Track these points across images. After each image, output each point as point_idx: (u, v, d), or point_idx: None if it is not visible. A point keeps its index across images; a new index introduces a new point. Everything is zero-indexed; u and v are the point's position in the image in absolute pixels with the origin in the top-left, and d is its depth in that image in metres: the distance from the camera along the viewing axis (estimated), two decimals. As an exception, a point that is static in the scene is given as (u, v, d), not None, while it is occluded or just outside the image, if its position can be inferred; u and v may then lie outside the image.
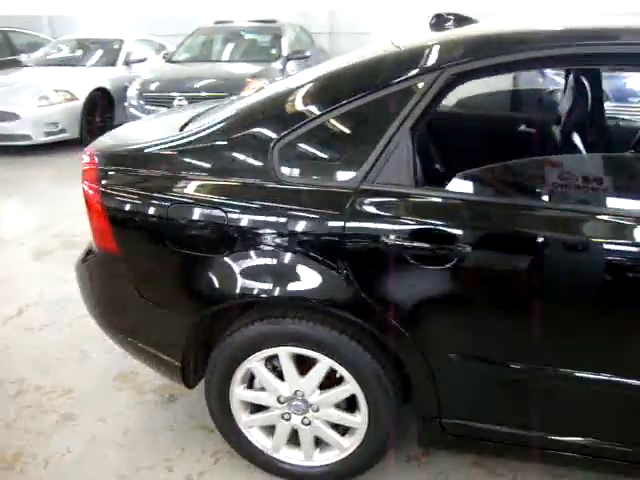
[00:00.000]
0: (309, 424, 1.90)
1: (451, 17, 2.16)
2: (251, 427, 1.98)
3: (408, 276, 1.63)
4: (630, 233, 1.50)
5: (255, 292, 1.75)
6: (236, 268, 1.74)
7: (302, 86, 1.85)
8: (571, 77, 2.65)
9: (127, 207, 1.86)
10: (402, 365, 1.74)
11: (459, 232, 1.57)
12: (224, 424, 2.00)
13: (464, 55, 1.63)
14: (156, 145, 1.92)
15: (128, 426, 2.31)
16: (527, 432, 1.73)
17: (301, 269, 1.70)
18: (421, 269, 1.60)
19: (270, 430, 1.98)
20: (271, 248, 1.71)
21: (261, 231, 1.72)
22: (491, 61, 1.60)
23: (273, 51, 7.31)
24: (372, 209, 1.63)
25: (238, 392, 1.92)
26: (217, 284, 1.77)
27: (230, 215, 1.73)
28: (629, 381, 1.57)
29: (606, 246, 1.50)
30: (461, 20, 2.15)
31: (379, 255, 1.63)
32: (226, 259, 1.75)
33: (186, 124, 2.08)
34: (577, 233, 1.55)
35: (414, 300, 1.66)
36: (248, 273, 1.74)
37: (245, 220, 1.73)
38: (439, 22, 2.15)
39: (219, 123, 1.87)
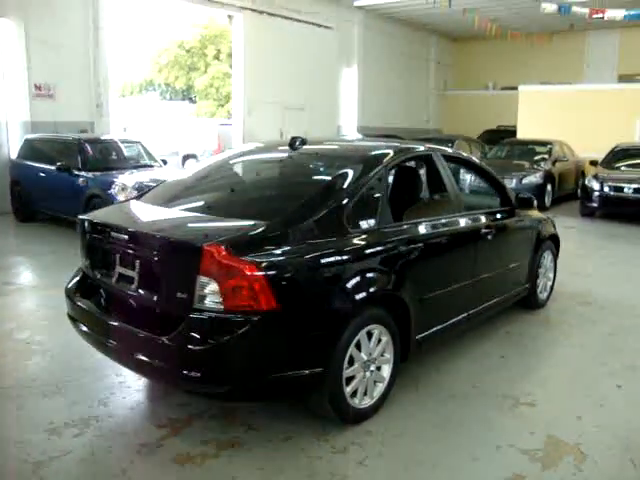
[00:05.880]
0: (372, 372, 3.18)
1: (299, 139, 3.75)
2: (348, 393, 3.05)
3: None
4: None
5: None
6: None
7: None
8: None
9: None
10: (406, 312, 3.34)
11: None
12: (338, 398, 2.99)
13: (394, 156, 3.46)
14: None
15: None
16: (453, 320, 3.73)
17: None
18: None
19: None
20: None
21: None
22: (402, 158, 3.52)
23: None
24: (388, 235, 3.22)
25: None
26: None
27: None
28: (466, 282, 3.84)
29: None
30: (303, 141, 3.76)
31: (389, 257, 3.23)
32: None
33: None
34: None
35: (407, 275, 3.33)
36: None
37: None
38: (294, 142, 3.71)
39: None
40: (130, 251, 2.98)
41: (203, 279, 2.61)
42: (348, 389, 3.03)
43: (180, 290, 2.70)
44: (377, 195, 3.28)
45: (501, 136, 15.88)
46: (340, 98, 17.62)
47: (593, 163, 11.11)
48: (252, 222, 2.85)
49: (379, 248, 3.17)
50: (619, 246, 8.25)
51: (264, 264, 2.62)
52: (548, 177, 11.25)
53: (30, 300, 5.50)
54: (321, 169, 3.47)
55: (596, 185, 9.98)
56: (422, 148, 3.89)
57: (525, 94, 14.72)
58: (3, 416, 3.24)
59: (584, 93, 13.96)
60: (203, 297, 2.62)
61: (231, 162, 3.99)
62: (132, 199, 3.70)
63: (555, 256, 5.39)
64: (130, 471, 2.75)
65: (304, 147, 3.70)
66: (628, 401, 3.54)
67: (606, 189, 9.84)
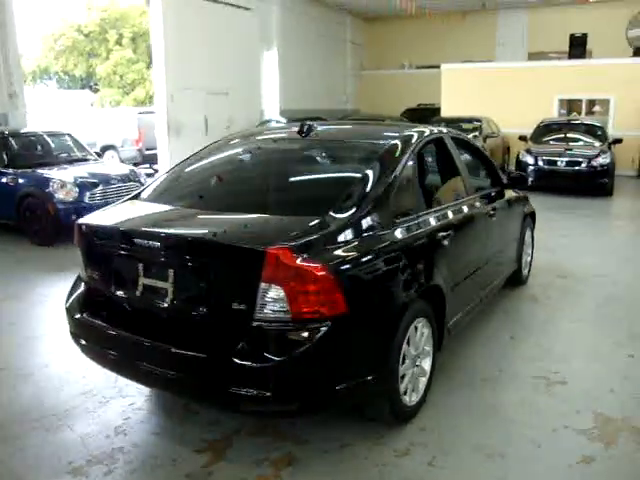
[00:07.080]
0: (417, 367, 3.04)
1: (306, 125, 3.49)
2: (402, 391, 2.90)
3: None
4: None
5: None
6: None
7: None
8: None
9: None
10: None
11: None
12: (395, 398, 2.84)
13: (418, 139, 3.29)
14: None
15: None
16: (472, 303, 3.68)
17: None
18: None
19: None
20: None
21: None
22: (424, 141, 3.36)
23: None
24: (428, 222, 3.09)
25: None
26: None
27: None
28: (481, 264, 3.78)
29: None
30: (310, 127, 3.50)
31: (430, 246, 3.11)
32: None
33: None
34: None
35: (443, 263, 3.21)
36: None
37: None
38: (303, 129, 3.46)
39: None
40: (160, 259, 2.62)
41: (266, 286, 2.33)
42: (402, 387, 2.89)
43: (236, 300, 2.39)
44: (411, 182, 3.12)
45: (423, 114, 16.16)
46: (262, 82, 17.18)
47: (522, 138, 11.58)
48: (302, 218, 2.59)
49: (422, 237, 3.03)
50: (565, 217, 8.66)
51: (332, 264, 2.39)
52: (482, 154, 11.57)
53: (-19, 319, 4.85)
54: (350, 158, 3.25)
55: (530, 159, 10.40)
56: (435, 130, 3.76)
57: (448, 72, 15.04)
58: (9, 460, 2.78)
59: (505, 71, 14.47)
60: (265, 305, 2.35)
61: (234, 152, 3.65)
62: (130, 199, 3.27)
63: (532, 232, 5.51)
64: (188, 507, 2.45)
65: (314, 134, 3.45)
66: (646, 369, 3.66)
67: (540, 163, 10.29)
